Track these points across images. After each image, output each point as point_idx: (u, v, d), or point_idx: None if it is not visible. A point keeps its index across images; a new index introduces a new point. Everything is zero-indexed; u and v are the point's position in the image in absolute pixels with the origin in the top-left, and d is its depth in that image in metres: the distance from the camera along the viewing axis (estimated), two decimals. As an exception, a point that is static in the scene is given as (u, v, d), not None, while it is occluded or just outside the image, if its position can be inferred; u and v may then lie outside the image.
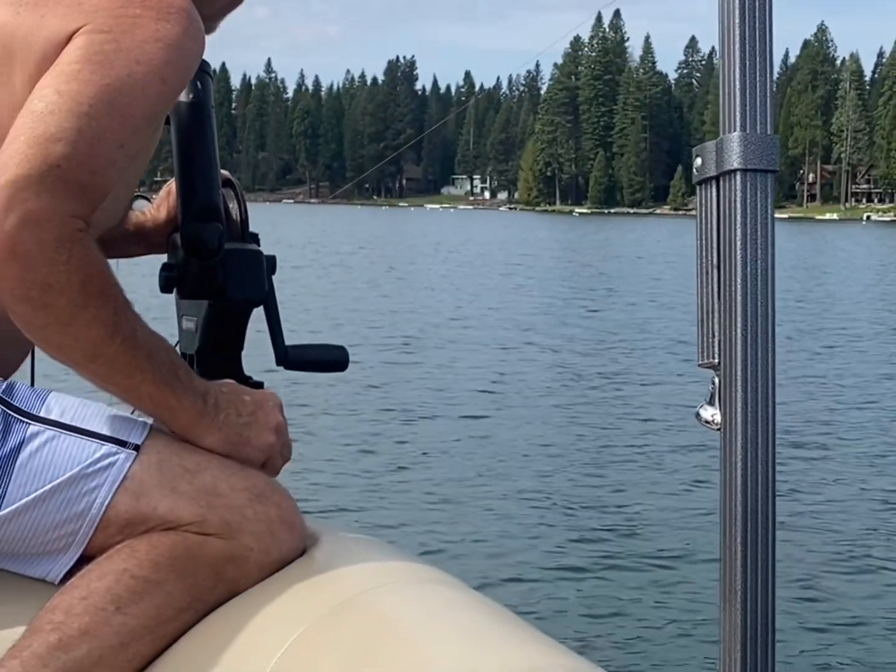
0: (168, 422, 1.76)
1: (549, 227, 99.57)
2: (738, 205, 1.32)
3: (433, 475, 10.77)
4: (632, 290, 33.73)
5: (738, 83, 1.32)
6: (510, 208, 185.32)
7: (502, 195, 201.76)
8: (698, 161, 1.38)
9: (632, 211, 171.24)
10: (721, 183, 1.35)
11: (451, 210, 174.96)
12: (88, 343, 1.64)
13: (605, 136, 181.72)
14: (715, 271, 1.35)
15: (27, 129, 1.63)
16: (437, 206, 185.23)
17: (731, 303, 1.32)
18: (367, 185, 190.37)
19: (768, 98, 1.33)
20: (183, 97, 2.09)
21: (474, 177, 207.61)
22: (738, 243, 1.32)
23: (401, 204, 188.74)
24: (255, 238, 2.24)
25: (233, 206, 2.22)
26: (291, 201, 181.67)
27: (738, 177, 1.32)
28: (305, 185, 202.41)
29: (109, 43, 1.71)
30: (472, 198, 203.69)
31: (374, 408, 14.09)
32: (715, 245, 1.35)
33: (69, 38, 1.73)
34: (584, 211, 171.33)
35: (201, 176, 1.89)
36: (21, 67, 1.76)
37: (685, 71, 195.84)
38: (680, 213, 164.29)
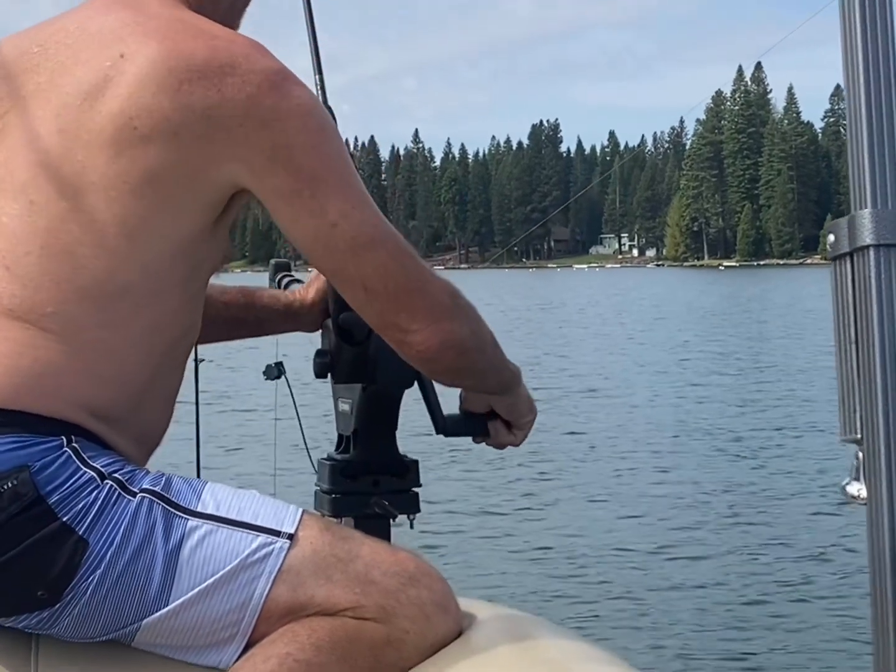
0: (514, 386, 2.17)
1: (690, 283, 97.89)
2: (873, 280, 1.32)
3: (588, 547, 10.53)
4: (774, 349, 32.68)
5: (866, 160, 1.33)
6: (658, 265, 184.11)
7: (650, 252, 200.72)
8: (831, 238, 1.39)
9: (781, 262, 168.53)
10: (855, 259, 1.35)
11: (597, 269, 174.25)
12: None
13: (752, 189, 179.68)
14: (853, 346, 1.35)
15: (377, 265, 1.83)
16: (584, 266, 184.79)
17: (871, 378, 1.32)
18: (515, 249, 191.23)
19: (898, 173, 1.33)
20: None
21: (622, 235, 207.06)
22: (875, 319, 1.32)
23: (549, 265, 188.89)
24: None
25: None
26: (442, 268, 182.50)
27: (872, 253, 1.33)
28: (455, 252, 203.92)
29: (296, 175, 1.80)
30: (620, 256, 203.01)
31: (530, 475, 13.97)
32: (852, 320, 1.35)
33: (234, 187, 1.84)
34: (732, 264, 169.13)
35: None
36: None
37: (832, 119, 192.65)
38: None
